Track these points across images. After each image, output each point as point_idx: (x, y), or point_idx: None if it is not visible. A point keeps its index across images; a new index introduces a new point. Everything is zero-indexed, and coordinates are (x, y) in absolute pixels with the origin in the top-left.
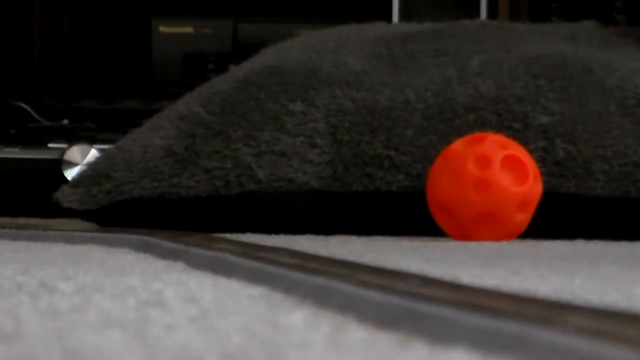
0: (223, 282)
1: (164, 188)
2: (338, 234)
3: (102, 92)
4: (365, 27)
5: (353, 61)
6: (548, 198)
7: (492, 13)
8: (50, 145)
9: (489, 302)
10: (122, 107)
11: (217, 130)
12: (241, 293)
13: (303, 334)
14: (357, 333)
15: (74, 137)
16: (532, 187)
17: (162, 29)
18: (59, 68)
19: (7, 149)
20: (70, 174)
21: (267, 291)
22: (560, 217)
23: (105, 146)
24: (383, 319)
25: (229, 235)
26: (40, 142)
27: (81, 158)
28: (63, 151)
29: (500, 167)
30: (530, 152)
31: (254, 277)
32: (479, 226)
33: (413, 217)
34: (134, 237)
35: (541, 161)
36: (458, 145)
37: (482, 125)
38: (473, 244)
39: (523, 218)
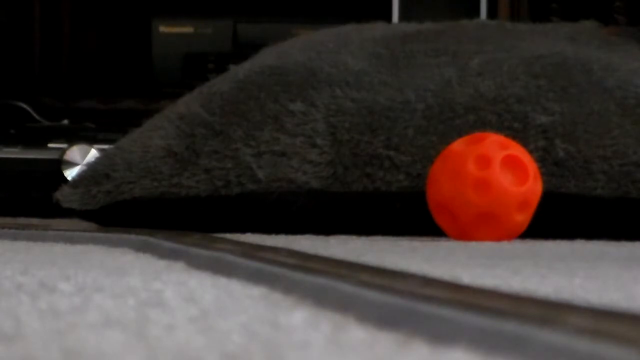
0: (223, 282)
1: (164, 188)
2: (338, 234)
3: (102, 92)
4: (365, 27)
5: (353, 61)
6: (548, 198)
7: (492, 13)
8: (50, 145)
9: (489, 302)
10: (122, 107)
11: (217, 130)
12: (241, 293)
13: (303, 334)
14: (357, 333)
15: (74, 137)
16: (532, 187)
17: (162, 29)
18: (59, 68)
19: (7, 149)
20: (70, 174)
21: (267, 291)
22: (560, 217)
23: (105, 146)
24: (383, 319)
25: (229, 235)
26: (40, 142)
27: (81, 158)
28: (63, 151)
29: (500, 167)
30: (530, 152)
31: (254, 277)
32: (479, 226)
33: (413, 217)
34: (134, 237)
35: (541, 161)
36: (458, 145)
37: (482, 125)
38: (473, 244)
39: (523, 218)
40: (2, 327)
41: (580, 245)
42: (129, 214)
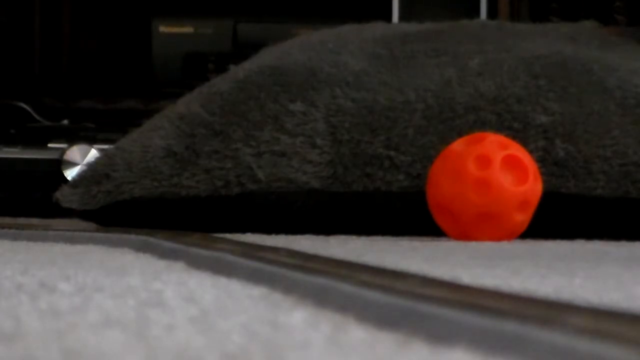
0: (223, 282)
1: (164, 188)
2: (338, 234)
3: (102, 92)
4: (365, 27)
5: (353, 61)
6: (548, 198)
7: (492, 13)
8: (50, 145)
9: (489, 302)
10: (122, 107)
11: (217, 130)
12: (241, 293)
13: (303, 334)
14: (357, 333)
15: (74, 137)
16: (532, 187)
17: (162, 29)
18: (59, 68)
19: (7, 149)
20: (70, 174)
21: (267, 291)
22: (561, 217)
23: (105, 146)
24: (383, 319)
25: (229, 235)
26: (40, 142)
27: (81, 158)
28: (63, 151)
29: (500, 167)
30: (530, 152)
31: (254, 277)
32: (479, 226)
33: (413, 217)
34: (134, 237)
35: (541, 161)
36: (458, 145)
37: (482, 125)
38: (473, 244)
39: (523, 218)
40: (2, 327)
41: (580, 245)
42: (129, 214)
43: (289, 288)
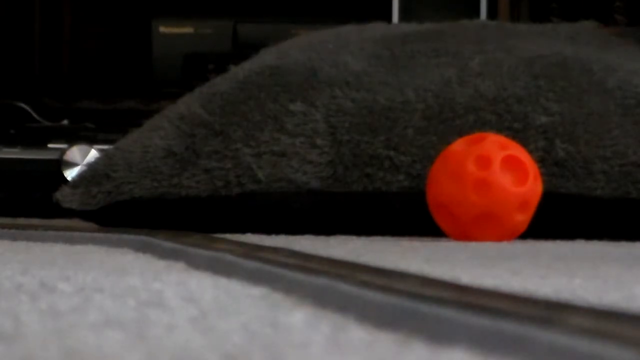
0: (223, 282)
1: (164, 188)
2: (338, 234)
3: (102, 93)
4: (365, 28)
5: (353, 61)
6: (548, 198)
7: (492, 13)
8: (50, 145)
9: (489, 302)
10: (122, 107)
11: (217, 130)
12: (241, 293)
13: (303, 334)
14: (357, 333)
15: (73, 138)
16: (532, 187)
17: (162, 29)
18: (59, 68)
19: (7, 149)
20: (70, 174)
21: (267, 291)
22: (561, 218)
23: (105, 146)
24: (383, 319)
25: (229, 236)
26: (40, 142)
27: (81, 158)
28: (63, 151)
29: (500, 168)
30: (530, 152)
31: (254, 278)
32: (479, 226)
33: (413, 217)
34: (134, 237)
35: (541, 161)
36: (458, 145)
37: (482, 125)
38: (473, 244)
39: (523, 218)
40: (2, 327)
41: (580, 246)
42: (129, 214)
43: (289, 288)
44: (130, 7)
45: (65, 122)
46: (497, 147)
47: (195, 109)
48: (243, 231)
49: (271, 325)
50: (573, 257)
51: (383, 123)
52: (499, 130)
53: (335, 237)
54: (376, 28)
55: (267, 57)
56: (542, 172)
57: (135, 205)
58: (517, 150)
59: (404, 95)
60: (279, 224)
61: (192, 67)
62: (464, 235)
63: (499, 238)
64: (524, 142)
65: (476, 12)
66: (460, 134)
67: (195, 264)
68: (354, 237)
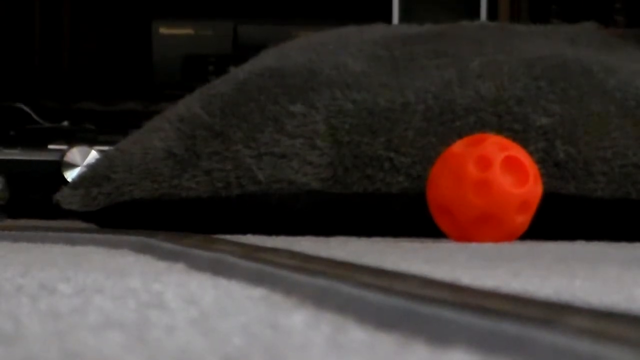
0: (223, 283)
1: (164, 190)
2: (338, 235)
3: (102, 94)
4: (365, 29)
5: (353, 63)
6: (548, 199)
7: (492, 14)
8: (50, 146)
9: (489, 303)
10: (122, 108)
11: (218, 131)
12: (241, 294)
13: (303, 336)
14: (357, 334)
15: (73, 139)
16: (532, 188)
17: (163, 30)
18: (59, 69)
19: (7, 151)
20: (70, 175)
21: (268, 292)
22: (561, 219)
23: (105, 148)
24: (383, 320)
25: (229, 237)
26: (40, 143)
27: (81, 160)
28: (63, 153)
29: (500, 169)
30: (531, 153)
31: (254, 279)
32: (479, 227)
33: (413, 218)
34: (134, 238)
35: (541, 162)
36: (458, 146)
37: (482, 126)
38: (473, 245)
39: (523, 219)
40: (2, 329)
41: (580, 247)
42: (129, 215)
43: (289, 289)
44: (130, 8)
45: (65, 123)
46: (497, 148)
47: (196, 110)
48: (243, 232)
49: (271, 326)
50: (573, 258)
51: (383, 124)
52: (499, 131)
53: (335, 238)
54: (376, 29)
55: (267, 59)
56: (542, 173)
57: (136, 207)
58: (518, 152)
59: (404, 96)
60: (279, 225)
61: (192, 68)
62: (464, 236)
63: (499, 239)
64: (524, 143)
65: (476, 14)
66: (461, 135)
67: (196, 265)
68: (354, 238)
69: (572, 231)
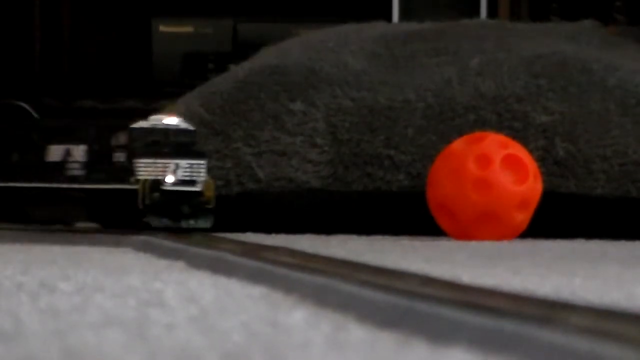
0: (223, 281)
1: None
2: (338, 233)
3: (102, 92)
4: (365, 27)
5: (353, 61)
6: (548, 197)
7: (492, 13)
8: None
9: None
10: (122, 106)
11: (217, 129)
12: (241, 293)
13: (303, 334)
14: (357, 332)
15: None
16: (532, 186)
17: (162, 28)
18: (59, 68)
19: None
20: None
21: (268, 291)
22: (561, 217)
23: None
24: (383, 319)
25: (229, 235)
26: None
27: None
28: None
29: (500, 167)
30: (530, 151)
31: (254, 277)
32: (479, 226)
33: (413, 216)
34: (134, 236)
35: (541, 160)
36: (458, 144)
37: (482, 124)
38: (473, 243)
39: (523, 217)
40: (3, 327)
41: (580, 245)
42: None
43: (289, 287)
44: (130, 6)
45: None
46: (497, 146)
47: (195, 108)
48: (243, 230)
49: (271, 324)
50: (573, 257)
51: (383, 122)
52: (499, 129)
53: (335, 236)
54: (376, 27)
55: (267, 57)
56: (542, 171)
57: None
58: (517, 149)
59: (404, 94)
60: (279, 223)
61: (192, 66)
62: (464, 234)
63: (499, 237)
64: (524, 141)
65: (476, 12)
66: (461, 133)
67: (196, 263)
68: (354, 237)
69: (572, 229)
